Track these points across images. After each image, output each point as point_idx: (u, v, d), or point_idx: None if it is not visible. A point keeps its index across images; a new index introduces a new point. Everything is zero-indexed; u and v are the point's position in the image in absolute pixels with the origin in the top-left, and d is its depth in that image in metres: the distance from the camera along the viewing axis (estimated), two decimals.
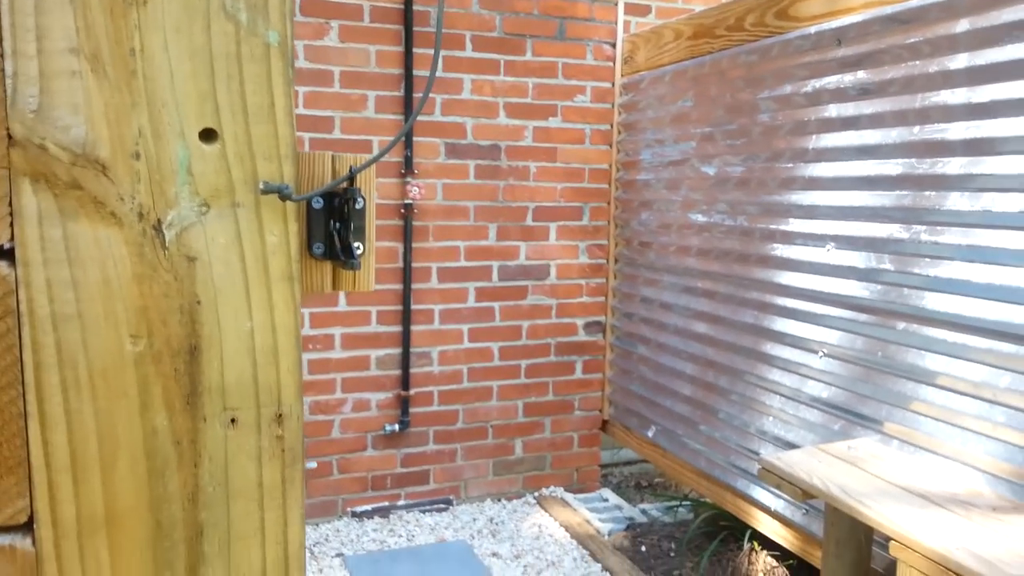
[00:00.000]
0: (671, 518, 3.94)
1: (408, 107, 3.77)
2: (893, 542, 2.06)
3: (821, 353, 2.82)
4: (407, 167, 3.78)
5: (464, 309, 3.98)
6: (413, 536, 3.76)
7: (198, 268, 0.60)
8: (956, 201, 2.34)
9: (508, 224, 4.00)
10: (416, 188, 3.79)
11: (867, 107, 2.62)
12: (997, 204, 2.23)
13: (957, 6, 2.30)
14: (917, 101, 2.44)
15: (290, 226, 0.65)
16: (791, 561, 3.25)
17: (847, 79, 2.69)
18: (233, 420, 0.63)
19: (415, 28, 3.72)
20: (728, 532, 3.48)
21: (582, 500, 4.19)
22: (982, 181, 2.27)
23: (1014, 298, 2.18)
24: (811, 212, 2.85)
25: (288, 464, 0.65)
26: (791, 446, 2.96)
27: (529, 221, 4.03)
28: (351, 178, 0.72)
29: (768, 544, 3.34)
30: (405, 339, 3.87)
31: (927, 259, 2.43)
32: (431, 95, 3.83)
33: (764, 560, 3.31)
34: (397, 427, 3.90)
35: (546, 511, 4.06)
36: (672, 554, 3.56)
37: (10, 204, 0.57)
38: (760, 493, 3.13)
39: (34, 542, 0.60)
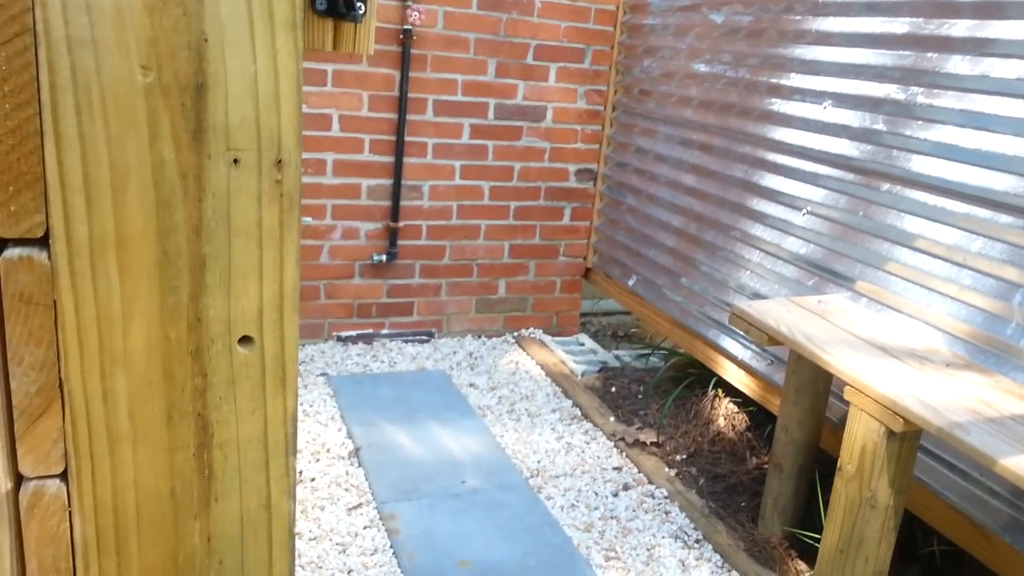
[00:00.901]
0: (643, 364, 4.10)
1: None
2: (848, 387, 2.19)
3: (805, 210, 2.87)
4: None
5: (457, 145, 3.97)
6: (395, 363, 3.91)
7: (206, 4, 0.63)
8: (956, 64, 2.33)
9: (508, 61, 3.93)
10: (417, 13, 3.69)
11: None
12: (996, 70, 2.22)
13: None
14: None
15: None
16: (752, 408, 3.43)
17: None
18: (236, 160, 0.67)
19: None
20: (695, 379, 3.64)
21: (559, 342, 4.34)
22: (985, 45, 2.25)
23: (999, 165, 2.22)
24: (813, 68, 2.83)
25: (286, 209, 0.70)
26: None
27: (530, 60, 3.97)
28: None
29: (732, 392, 3.50)
30: (397, 170, 3.88)
31: (920, 121, 2.45)
32: None
33: (726, 406, 3.48)
34: (385, 258, 3.97)
35: (524, 350, 4.22)
36: (640, 396, 3.73)
37: None
38: (729, 343, 3.26)
39: (50, 256, 0.65)
